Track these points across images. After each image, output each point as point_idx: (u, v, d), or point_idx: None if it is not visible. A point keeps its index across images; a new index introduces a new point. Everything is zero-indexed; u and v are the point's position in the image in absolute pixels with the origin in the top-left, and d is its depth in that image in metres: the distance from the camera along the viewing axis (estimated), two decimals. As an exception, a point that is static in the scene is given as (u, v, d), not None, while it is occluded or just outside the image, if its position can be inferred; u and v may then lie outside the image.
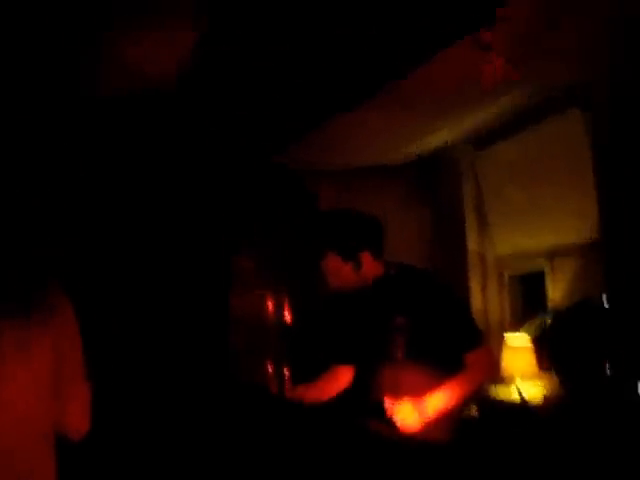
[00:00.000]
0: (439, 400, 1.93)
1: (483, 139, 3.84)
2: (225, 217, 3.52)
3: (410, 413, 1.88)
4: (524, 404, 3.15)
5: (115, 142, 3.14)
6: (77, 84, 2.48)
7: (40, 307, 1.54)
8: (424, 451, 1.46)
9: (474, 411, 3.03)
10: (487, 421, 2.01)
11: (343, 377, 2.32)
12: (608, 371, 1.30)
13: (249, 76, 2.64)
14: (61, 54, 2.25)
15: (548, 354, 1.49)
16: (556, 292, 3.40)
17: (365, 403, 2.07)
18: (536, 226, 3.58)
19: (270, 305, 3.31)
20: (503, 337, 3.50)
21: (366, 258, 2.14)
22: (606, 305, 1.38)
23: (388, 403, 1.91)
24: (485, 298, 3.99)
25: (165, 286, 3.28)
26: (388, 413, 1.89)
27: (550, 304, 3.45)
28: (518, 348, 3.37)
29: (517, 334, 3.47)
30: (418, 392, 1.93)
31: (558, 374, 1.42)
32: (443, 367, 2.01)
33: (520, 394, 3.21)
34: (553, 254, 3.44)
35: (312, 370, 2.29)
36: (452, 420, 1.99)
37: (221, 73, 2.57)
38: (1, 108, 2.47)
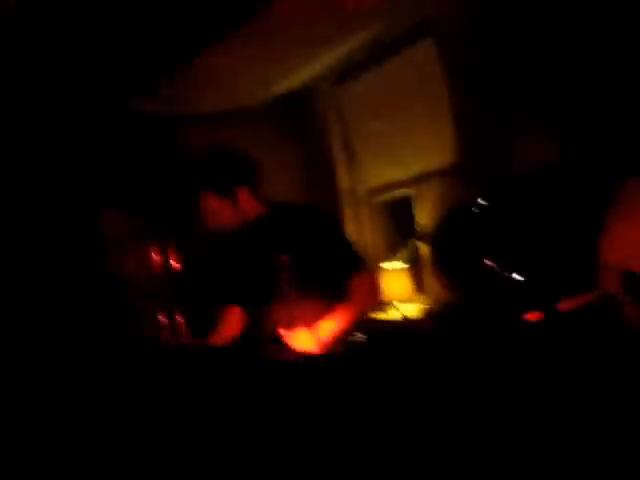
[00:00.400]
0: (330, 325, 2.02)
1: (344, 74, 3.89)
2: (87, 170, 3.31)
3: (306, 339, 1.95)
4: (405, 320, 3.38)
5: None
6: None
7: None
8: (315, 365, 1.53)
9: (359, 336, 3.20)
10: (373, 341, 2.13)
11: (234, 319, 2.33)
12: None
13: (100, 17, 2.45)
14: None
15: (434, 265, 1.59)
16: (423, 217, 3.60)
17: (259, 340, 2.11)
18: (400, 156, 3.73)
19: (155, 256, 3.22)
20: (379, 266, 3.69)
21: (243, 194, 2.14)
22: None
23: (283, 333, 1.97)
24: (359, 230, 4.14)
25: (33, 252, 3.07)
26: (285, 342, 1.95)
27: (418, 229, 3.66)
28: (394, 273, 3.57)
29: (392, 262, 3.67)
30: (310, 322, 2.00)
31: (446, 283, 1.52)
32: (330, 295, 2.09)
33: (401, 313, 3.44)
34: (418, 181, 3.62)
35: (206, 315, 2.29)
36: (341, 344, 2.09)
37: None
38: None
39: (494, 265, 1.36)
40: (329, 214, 2.24)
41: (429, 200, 3.53)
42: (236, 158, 2.19)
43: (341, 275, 2.10)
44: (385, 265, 3.66)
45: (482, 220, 1.47)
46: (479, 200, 1.47)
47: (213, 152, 2.22)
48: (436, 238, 1.63)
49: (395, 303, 3.57)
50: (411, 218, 3.73)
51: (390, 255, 3.95)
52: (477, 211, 1.49)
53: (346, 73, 3.88)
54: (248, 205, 2.16)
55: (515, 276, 1.34)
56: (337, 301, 2.07)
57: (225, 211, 2.13)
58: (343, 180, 4.13)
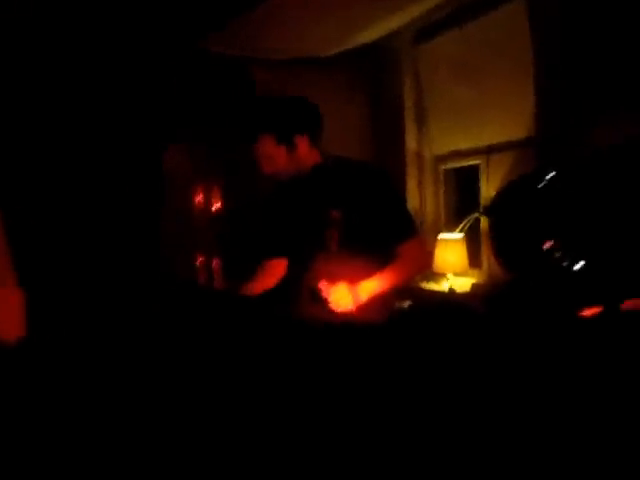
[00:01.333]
0: (372, 286, 1.96)
1: (424, 32, 3.71)
2: (154, 106, 3.31)
3: (344, 295, 1.90)
4: (452, 294, 3.28)
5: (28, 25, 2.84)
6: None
7: None
8: (356, 330, 1.48)
9: (407, 304, 3.14)
10: (419, 309, 2.06)
11: (276, 270, 2.30)
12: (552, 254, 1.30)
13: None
14: None
15: (490, 240, 1.49)
16: (490, 189, 3.44)
17: (299, 291, 2.08)
18: (473, 124, 3.55)
19: (201, 196, 3.21)
20: (438, 234, 3.58)
21: (302, 142, 2.08)
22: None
23: (323, 286, 1.92)
24: (421, 195, 4.02)
25: (94, 180, 3.11)
26: (323, 295, 1.91)
27: (483, 202, 3.51)
28: (451, 244, 3.46)
29: (450, 233, 3.55)
30: (352, 279, 1.94)
31: (500, 262, 1.42)
32: (377, 257, 2.02)
33: (450, 286, 3.34)
34: (489, 151, 3.45)
35: (245, 263, 2.26)
36: (386, 308, 2.03)
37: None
38: None
39: (556, 248, 1.25)
40: (386, 174, 2.15)
41: (498, 172, 3.37)
42: (299, 105, 2.12)
43: (391, 238, 2.02)
44: (443, 235, 3.55)
45: (548, 196, 1.35)
46: (548, 173, 1.34)
47: (278, 98, 2.16)
48: (494, 211, 1.52)
49: (448, 275, 3.46)
50: (477, 189, 3.58)
51: (450, 225, 3.82)
52: (544, 185, 1.37)
53: (425, 31, 3.70)
54: (305, 154, 2.09)
55: (579, 264, 1.22)
56: (383, 263, 2.00)
57: (281, 157, 2.07)
58: (410, 143, 3.99)
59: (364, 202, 2.02)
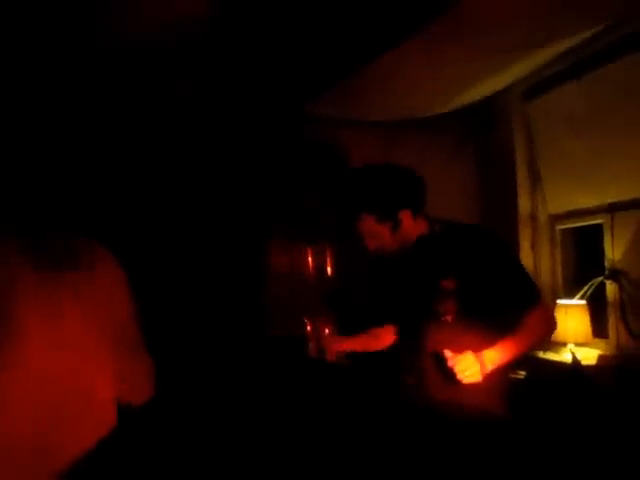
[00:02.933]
0: (496, 355, 1.78)
1: (535, 87, 3.56)
2: (262, 171, 3.37)
3: (472, 364, 1.73)
4: (577, 365, 2.95)
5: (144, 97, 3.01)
6: (99, 34, 2.33)
7: (91, 271, 1.49)
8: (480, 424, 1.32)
9: (522, 375, 2.88)
10: (537, 383, 1.85)
11: (386, 336, 2.18)
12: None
13: (281, 17, 2.46)
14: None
15: (622, 308, 1.31)
16: (616, 250, 3.15)
17: (417, 360, 1.93)
18: (594, 180, 3.31)
19: (311, 260, 3.18)
20: (555, 301, 3.30)
21: (406, 217, 1.96)
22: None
23: (448, 355, 1.76)
24: (536, 258, 3.75)
25: (205, 244, 3.19)
26: (449, 364, 1.75)
27: (608, 264, 3.21)
28: (572, 311, 3.16)
29: (571, 299, 3.26)
30: (473, 349, 1.77)
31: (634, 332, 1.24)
32: (498, 325, 1.84)
33: (573, 356, 3.02)
34: (612, 209, 3.18)
35: (353, 328, 2.17)
36: (501, 377, 1.84)
37: (252, 13, 2.40)
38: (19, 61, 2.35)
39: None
40: (500, 237, 1.99)
41: (625, 232, 3.08)
42: (400, 177, 1.99)
43: (513, 305, 1.84)
44: (562, 301, 3.26)
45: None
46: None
47: (376, 169, 2.03)
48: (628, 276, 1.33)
49: (570, 345, 3.15)
50: (599, 251, 3.29)
51: (568, 290, 3.52)
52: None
53: (537, 86, 3.54)
54: (410, 227, 1.97)
55: None
56: (505, 331, 1.81)
57: (385, 234, 1.96)
58: (523, 204, 3.77)
59: (480, 269, 1.86)
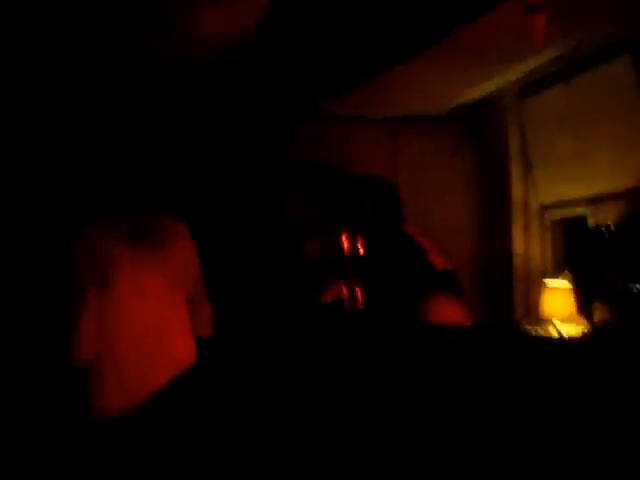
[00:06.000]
0: None
1: (530, 87, 3.88)
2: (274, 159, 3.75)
3: None
4: (561, 339, 3.33)
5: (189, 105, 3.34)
6: (148, 50, 2.65)
7: (164, 236, 2.12)
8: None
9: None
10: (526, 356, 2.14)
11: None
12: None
13: (311, 31, 2.75)
14: (130, 21, 2.42)
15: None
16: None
17: None
18: (580, 174, 3.65)
19: (346, 242, 3.67)
20: (543, 282, 3.66)
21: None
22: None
23: None
24: (527, 244, 4.11)
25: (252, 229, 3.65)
26: None
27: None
28: (557, 291, 3.52)
29: (556, 280, 3.62)
30: None
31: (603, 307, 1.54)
32: None
33: (559, 332, 3.39)
34: (595, 201, 3.53)
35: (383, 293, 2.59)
36: None
37: (286, 28, 2.68)
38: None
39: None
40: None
41: (604, 220, 3.43)
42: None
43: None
44: (549, 282, 3.62)
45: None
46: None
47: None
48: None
49: (555, 321, 3.52)
50: (584, 237, 3.64)
51: (557, 273, 3.88)
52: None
53: (530, 87, 3.87)
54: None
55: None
56: None
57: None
58: (516, 193, 4.13)
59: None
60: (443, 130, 4.18)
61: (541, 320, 3.66)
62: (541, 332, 3.66)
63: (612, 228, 1.53)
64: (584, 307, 3.42)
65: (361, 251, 3.41)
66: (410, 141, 4.05)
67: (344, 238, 3.67)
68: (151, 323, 2.05)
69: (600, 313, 2.78)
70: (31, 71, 2.60)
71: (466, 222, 4.27)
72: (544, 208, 4.05)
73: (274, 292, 3.39)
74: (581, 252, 1.60)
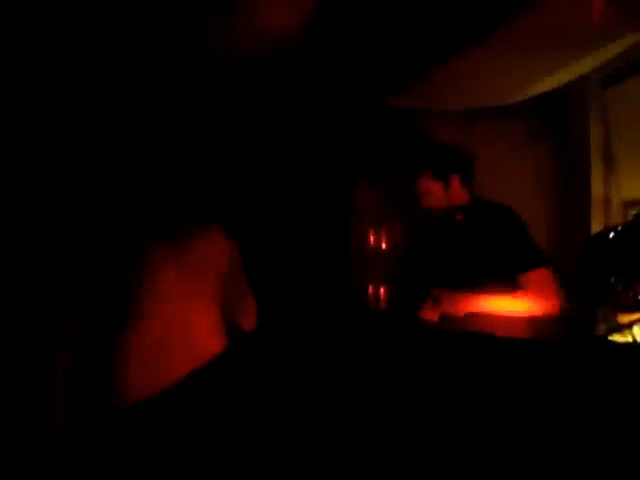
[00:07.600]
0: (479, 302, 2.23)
1: (613, 76, 3.64)
2: (345, 156, 3.67)
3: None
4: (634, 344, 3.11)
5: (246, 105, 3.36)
6: (204, 48, 2.68)
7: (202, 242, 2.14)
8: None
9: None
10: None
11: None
12: None
13: (371, 22, 2.70)
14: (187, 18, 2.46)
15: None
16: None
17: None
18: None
19: (372, 235, 3.59)
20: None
21: (454, 182, 2.50)
22: None
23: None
24: (608, 242, 3.86)
25: (296, 218, 3.59)
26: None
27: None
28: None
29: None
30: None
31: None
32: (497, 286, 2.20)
33: (633, 337, 3.17)
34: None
35: (409, 292, 2.55)
36: None
37: (344, 19, 2.65)
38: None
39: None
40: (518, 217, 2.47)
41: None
42: (454, 151, 2.63)
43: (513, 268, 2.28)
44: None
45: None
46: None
47: (434, 143, 2.74)
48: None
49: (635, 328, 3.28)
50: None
51: None
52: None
53: (613, 75, 3.62)
54: (457, 192, 2.51)
55: None
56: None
57: (437, 192, 2.50)
58: (596, 189, 3.88)
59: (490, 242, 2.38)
60: (517, 122, 4.00)
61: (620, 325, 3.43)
62: (618, 337, 3.43)
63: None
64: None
65: (385, 247, 3.34)
66: (483, 134, 3.90)
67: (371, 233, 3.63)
68: (179, 307, 2.12)
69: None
70: (90, 66, 2.71)
71: (542, 220, 4.07)
72: (627, 205, 3.79)
73: (326, 288, 3.37)
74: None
